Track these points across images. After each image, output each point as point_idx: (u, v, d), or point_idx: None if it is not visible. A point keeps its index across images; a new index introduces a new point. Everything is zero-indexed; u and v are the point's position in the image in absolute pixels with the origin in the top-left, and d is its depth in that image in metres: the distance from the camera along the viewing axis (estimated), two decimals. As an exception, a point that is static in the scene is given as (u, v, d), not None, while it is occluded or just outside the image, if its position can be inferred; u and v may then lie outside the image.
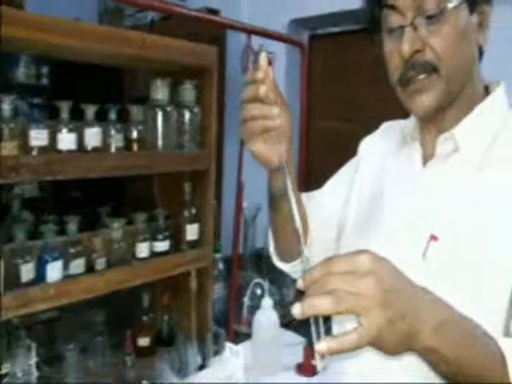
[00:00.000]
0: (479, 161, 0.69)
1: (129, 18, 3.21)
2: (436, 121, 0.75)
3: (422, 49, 0.67)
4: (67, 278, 1.10)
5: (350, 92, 2.77)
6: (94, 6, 3.39)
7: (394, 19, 0.69)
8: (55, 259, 1.08)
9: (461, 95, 0.72)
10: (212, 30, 2.57)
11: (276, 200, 0.83)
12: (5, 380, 1.05)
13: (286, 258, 0.95)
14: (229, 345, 1.23)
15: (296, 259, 0.92)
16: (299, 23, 2.87)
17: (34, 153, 1.05)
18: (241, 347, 1.22)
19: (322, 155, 2.71)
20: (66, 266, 1.11)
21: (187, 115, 1.39)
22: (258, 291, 1.60)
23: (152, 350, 1.40)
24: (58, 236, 1.14)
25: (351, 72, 2.75)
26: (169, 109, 1.34)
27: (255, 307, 1.50)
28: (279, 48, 2.73)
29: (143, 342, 1.38)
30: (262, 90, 0.67)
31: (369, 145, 0.95)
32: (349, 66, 2.77)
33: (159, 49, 1.25)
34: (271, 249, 0.98)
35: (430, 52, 0.67)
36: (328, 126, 2.90)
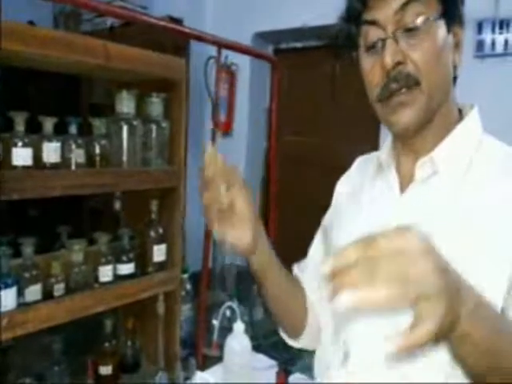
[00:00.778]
0: (457, 184, 0.70)
1: (86, 23, 3.09)
2: (413, 143, 0.74)
3: (404, 61, 0.67)
4: (22, 306, 1.01)
5: (313, 107, 2.78)
6: (48, 8, 3.21)
7: (373, 34, 0.69)
8: (9, 285, 0.99)
9: (438, 115, 0.72)
10: (175, 40, 2.51)
11: (260, 275, 0.80)
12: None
13: (294, 335, 0.93)
14: (200, 374, 1.16)
15: (301, 333, 0.90)
16: (263, 37, 2.86)
17: (-13, 169, 0.97)
18: (211, 376, 1.15)
19: (287, 169, 2.69)
20: (20, 293, 1.02)
21: (154, 130, 1.33)
22: (228, 312, 1.54)
23: (115, 378, 1.31)
24: (12, 259, 1.05)
25: (314, 87, 2.76)
26: (135, 123, 1.27)
27: (226, 329, 1.44)
28: (243, 61, 2.72)
29: (105, 370, 1.29)
30: (206, 173, 0.66)
31: (343, 182, 0.94)
32: (311, 81, 2.78)
33: (124, 59, 1.18)
34: (280, 330, 0.96)
35: (412, 65, 0.67)
36: (292, 140, 2.90)
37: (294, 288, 0.90)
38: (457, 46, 0.70)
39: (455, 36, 0.70)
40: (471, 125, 0.73)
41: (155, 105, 1.32)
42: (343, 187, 0.93)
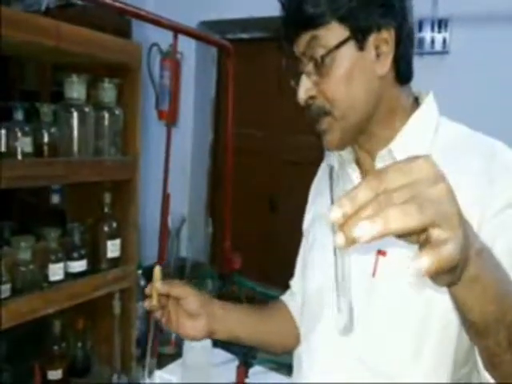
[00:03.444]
0: None
1: (16, 3, 2.85)
2: (363, 145, 0.75)
3: (316, 94, 0.69)
4: (-37, 310, 0.91)
5: (260, 99, 2.77)
6: None
7: (299, 64, 0.70)
8: None
9: (375, 121, 0.71)
10: (117, 25, 2.39)
11: (233, 339, 0.86)
12: None
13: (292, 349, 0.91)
14: (159, 373, 1.11)
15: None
16: (209, 26, 2.80)
17: None
18: (172, 376, 1.10)
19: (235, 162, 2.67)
20: (-40, 297, 0.92)
21: (107, 117, 1.24)
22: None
23: (65, 383, 1.23)
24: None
25: (260, 79, 2.75)
26: (86, 109, 1.18)
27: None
28: (187, 49, 2.65)
29: (54, 374, 1.20)
30: (147, 304, 0.78)
31: (315, 184, 0.93)
32: (258, 72, 2.76)
33: (77, 41, 1.10)
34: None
35: (322, 97, 0.69)
36: (239, 132, 2.88)
37: (275, 319, 0.91)
38: (378, 55, 0.67)
39: (377, 47, 0.67)
40: (427, 111, 0.73)
41: (108, 91, 1.24)
42: (313, 192, 0.93)
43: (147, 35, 2.63)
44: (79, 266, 1.16)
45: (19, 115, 1.07)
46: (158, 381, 1.12)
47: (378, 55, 0.67)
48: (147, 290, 0.79)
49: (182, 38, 1.61)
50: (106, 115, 1.24)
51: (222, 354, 1.48)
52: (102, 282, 1.19)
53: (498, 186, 0.63)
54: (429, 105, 0.74)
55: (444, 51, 2.21)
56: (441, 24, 2.23)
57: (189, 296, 0.79)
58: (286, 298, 0.96)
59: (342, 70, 0.66)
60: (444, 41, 2.23)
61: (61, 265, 1.12)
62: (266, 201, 2.72)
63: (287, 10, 0.69)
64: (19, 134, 1.05)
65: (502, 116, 1.93)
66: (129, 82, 1.27)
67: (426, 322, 0.65)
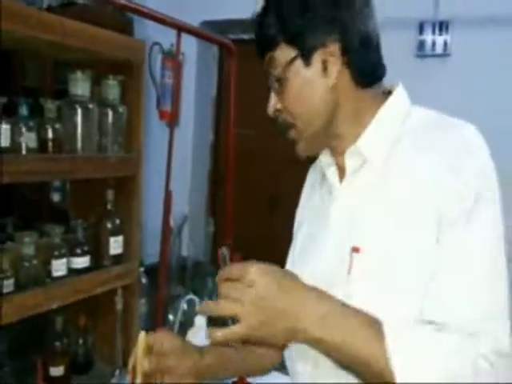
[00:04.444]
0: (382, 168, 0.72)
1: (20, 1, 2.86)
2: (336, 146, 0.77)
3: (281, 108, 0.75)
4: (-33, 304, 0.91)
5: (263, 99, 2.77)
6: None
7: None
8: (-49, 282, 0.89)
9: (340, 121, 0.74)
10: (118, 24, 2.39)
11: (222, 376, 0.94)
12: None
13: None
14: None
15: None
16: (210, 26, 2.80)
17: None
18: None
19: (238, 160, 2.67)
20: (-35, 291, 0.92)
21: (110, 114, 1.25)
22: (185, 306, 1.49)
23: (66, 379, 1.23)
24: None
25: (260, 80, 2.75)
26: (90, 106, 1.19)
27: (182, 324, 1.40)
28: (189, 49, 2.65)
29: (56, 371, 1.20)
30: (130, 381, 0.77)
31: (304, 188, 0.95)
32: (261, 73, 2.76)
33: (82, 37, 1.10)
34: None
35: (285, 111, 0.74)
36: (242, 132, 2.88)
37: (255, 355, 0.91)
38: (325, 68, 0.71)
39: (324, 61, 0.70)
40: (394, 103, 0.75)
41: (112, 88, 1.24)
42: (303, 196, 0.94)
43: (148, 34, 2.64)
44: (82, 262, 1.16)
45: (24, 111, 1.07)
46: None
47: (324, 68, 0.71)
48: (130, 364, 0.76)
49: (183, 38, 1.61)
50: (110, 112, 1.24)
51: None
52: (105, 278, 1.19)
53: (462, 178, 0.65)
54: (396, 96, 0.75)
55: (445, 54, 2.21)
56: (442, 26, 2.24)
57: (178, 366, 0.78)
58: None
59: (295, 86, 0.72)
60: (445, 43, 2.23)
61: (64, 261, 1.12)
62: (266, 200, 2.72)
63: (254, 32, 0.75)
64: (24, 130, 1.05)
65: (503, 118, 1.94)
66: (132, 80, 1.28)
67: (403, 318, 0.66)
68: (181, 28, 1.32)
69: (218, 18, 2.71)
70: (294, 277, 0.65)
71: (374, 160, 0.72)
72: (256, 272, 0.61)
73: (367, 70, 0.73)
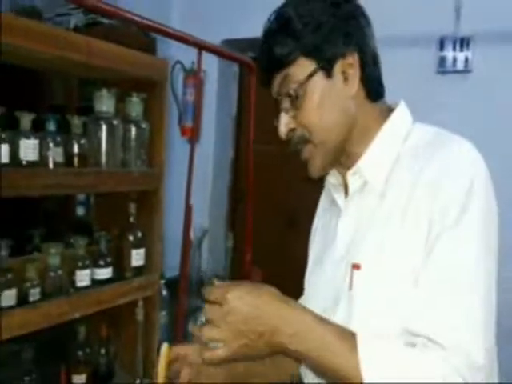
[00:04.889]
0: (382, 188, 0.74)
1: (47, 22, 2.96)
2: (344, 163, 0.78)
3: (295, 126, 0.75)
4: (-4, 312, 0.95)
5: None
6: (6, 4, 3.06)
7: (278, 104, 0.76)
8: (-19, 290, 0.93)
9: (352, 138, 0.75)
10: (141, 43, 2.47)
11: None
12: None
13: None
14: (180, 381, 1.12)
15: None
16: (231, 44, 2.86)
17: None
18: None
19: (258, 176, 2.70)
20: (-6, 298, 0.96)
21: (133, 130, 1.29)
22: (203, 318, 1.50)
23: (88, 388, 1.25)
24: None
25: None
26: (114, 122, 1.23)
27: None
28: (210, 67, 2.71)
29: (79, 379, 1.23)
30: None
31: (319, 205, 0.97)
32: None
33: (107, 56, 1.15)
34: None
35: (300, 128, 0.74)
36: (261, 149, 2.91)
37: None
38: (346, 79, 0.73)
39: (343, 72, 0.73)
40: (395, 122, 0.76)
41: (135, 105, 1.29)
42: (316, 219, 0.95)
43: (171, 53, 2.71)
44: (105, 273, 1.20)
45: (51, 126, 1.12)
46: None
47: (345, 79, 0.72)
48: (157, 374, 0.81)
49: (204, 56, 1.66)
50: (133, 128, 1.29)
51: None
52: (127, 289, 1.22)
53: (442, 197, 0.66)
54: (399, 113, 0.77)
55: (466, 70, 2.20)
56: (463, 43, 2.24)
57: (217, 375, 0.84)
58: None
59: (315, 98, 0.72)
60: (466, 60, 2.23)
61: (87, 271, 1.16)
62: (285, 216, 2.73)
63: (261, 55, 0.76)
64: (51, 145, 1.10)
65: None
66: (155, 97, 1.32)
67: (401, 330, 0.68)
68: (201, 47, 1.37)
69: (238, 36, 2.77)
70: (271, 294, 0.67)
71: (375, 182, 0.74)
72: (233, 299, 0.65)
73: (376, 85, 0.76)
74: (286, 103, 0.74)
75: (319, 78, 0.72)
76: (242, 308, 0.65)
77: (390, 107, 0.79)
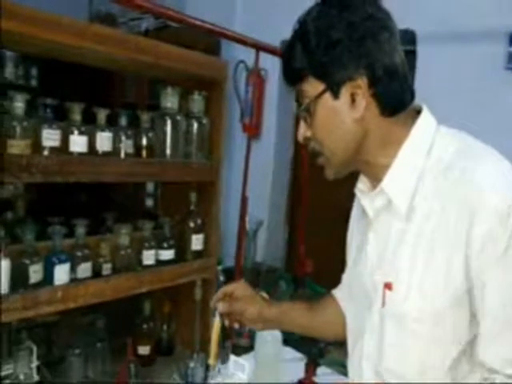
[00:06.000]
0: (407, 209, 0.74)
1: (122, 26, 3.20)
2: (365, 171, 0.81)
3: (310, 136, 0.78)
4: (74, 281, 1.09)
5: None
6: (84, 10, 3.31)
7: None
8: (63, 261, 1.07)
9: (367, 151, 0.76)
10: (207, 44, 2.60)
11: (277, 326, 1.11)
12: (6, 381, 1.02)
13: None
14: (234, 358, 1.21)
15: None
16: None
17: (46, 153, 1.05)
18: (245, 361, 1.20)
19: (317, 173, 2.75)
20: (73, 270, 1.10)
21: (195, 125, 1.40)
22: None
23: (152, 358, 1.38)
24: (65, 239, 1.13)
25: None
26: (178, 118, 1.35)
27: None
28: (272, 66, 2.79)
29: (143, 350, 1.36)
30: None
31: (354, 205, 0.98)
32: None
33: (172, 58, 1.27)
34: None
35: (313, 139, 0.77)
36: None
37: (324, 314, 1.03)
38: (353, 101, 0.72)
39: (352, 94, 0.72)
40: (418, 134, 0.75)
41: (197, 102, 1.40)
42: (352, 219, 0.97)
43: (235, 54, 2.83)
44: (168, 254, 1.32)
45: (123, 121, 1.25)
46: (232, 364, 1.22)
47: (353, 100, 0.72)
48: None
49: (266, 56, 1.73)
50: (195, 123, 1.40)
51: (292, 353, 1.56)
52: (187, 270, 1.33)
53: (476, 226, 0.65)
54: (420, 125, 0.75)
55: (537, 66, 2.12)
56: (534, 38, 2.15)
57: (245, 311, 0.98)
58: (337, 293, 1.04)
59: (323, 117, 0.74)
60: (536, 55, 2.15)
61: (153, 252, 1.28)
62: (342, 212, 2.77)
63: (282, 64, 0.78)
64: (123, 137, 1.23)
65: None
66: (215, 95, 1.43)
67: (430, 347, 0.71)
68: (258, 47, 1.46)
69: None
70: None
71: (399, 203, 0.74)
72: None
73: (393, 100, 0.74)
74: (303, 113, 0.76)
75: (327, 98, 0.73)
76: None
77: (416, 109, 0.77)
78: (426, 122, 0.76)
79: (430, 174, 0.72)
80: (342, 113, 0.73)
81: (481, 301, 0.67)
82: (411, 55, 2.22)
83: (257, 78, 2.78)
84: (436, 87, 2.06)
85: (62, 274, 1.07)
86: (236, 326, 1.01)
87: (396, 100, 0.74)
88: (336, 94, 0.72)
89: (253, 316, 0.97)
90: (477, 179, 0.67)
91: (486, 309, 0.67)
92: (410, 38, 2.27)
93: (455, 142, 0.73)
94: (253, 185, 1.74)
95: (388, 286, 0.74)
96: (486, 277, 0.66)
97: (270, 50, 1.54)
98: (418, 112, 0.77)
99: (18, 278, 1.00)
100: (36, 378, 1.06)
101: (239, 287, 1.00)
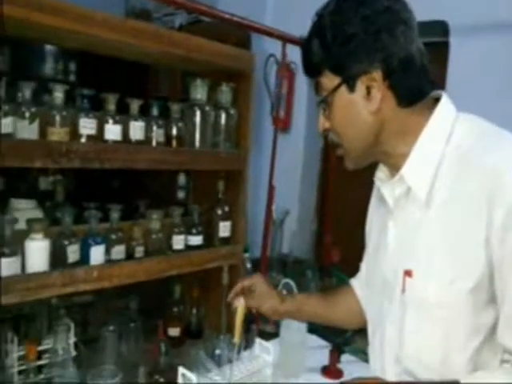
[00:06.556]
0: (427, 196, 0.74)
1: (156, 21, 3.29)
2: (384, 161, 0.81)
3: (329, 127, 0.79)
4: (109, 262, 1.16)
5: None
6: (121, 6, 3.38)
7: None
8: (98, 243, 1.14)
9: (384, 141, 0.77)
10: (238, 38, 2.64)
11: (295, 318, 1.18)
12: (45, 355, 1.10)
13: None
14: (259, 341, 1.25)
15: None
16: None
17: (83, 140, 1.11)
18: (270, 344, 1.24)
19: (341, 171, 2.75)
20: (108, 251, 1.17)
21: (223, 116, 1.44)
22: (284, 292, 1.62)
23: (181, 340, 1.44)
24: (100, 223, 1.19)
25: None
26: (207, 108, 1.40)
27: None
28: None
29: (173, 332, 1.42)
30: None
31: (373, 194, 0.99)
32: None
33: (203, 51, 1.31)
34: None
35: (332, 131, 0.79)
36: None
37: (342, 303, 1.06)
38: (369, 93, 0.73)
39: (367, 86, 0.73)
40: (437, 121, 0.75)
41: (225, 93, 1.44)
42: (371, 207, 0.98)
43: (265, 47, 2.86)
44: (197, 240, 1.37)
45: (155, 111, 1.31)
46: (257, 346, 1.26)
47: (368, 93, 0.73)
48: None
49: (296, 50, 1.73)
50: (223, 114, 1.44)
51: (317, 340, 1.59)
52: (215, 256, 1.38)
53: (496, 209, 0.65)
54: (439, 112, 0.75)
55: None
56: None
57: (261, 306, 1.05)
58: (354, 282, 1.07)
59: (340, 110, 0.76)
60: None
61: (182, 237, 1.34)
62: (363, 202, 2.76)
63: (301, 57, 0.79)
64: (154, 127, 1.29)
65: None
66: (243, 86, 1.47)
67: (450, 333, 0.72)
68: (285, 39, 1.48)
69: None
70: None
71: (418, 190, 0.74)
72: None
73: (410, 92, 0.74)
74: (322, 105, 0.78)
75: (343, 91, 0.74)
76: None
77: (435, 97, 0.77)
78: (444, 109, 0.76)
79: (448, 161, 0.72)
80: (359, 105, 0.74)
81: (504, 284, 0.67)
82: (443, 46, 2.19)
83: (286, 71, 2.80)
84: (469, 78, 2.04)
85: (97, 254, 1.13)
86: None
87: (413, 91, 0.74)
88: (352, 87, 0.74)
89: (268, 312, 1.05)
90: (495, 163, 0.67)
91: (507, 292, 0.67)
92: (442, 28, 2.24)
93: (473, 127, 0.74)
94: (282, 176, 1.77)
95: (408, 273, 0.75)
96: (507, 260, 0.66)
97: (296, 42, 1.56)
98: (437, 100, 0.77)
99: (58, 258, 1.07)
100: (73, 352, 1.14)
101: (257, 281, 1.06)
